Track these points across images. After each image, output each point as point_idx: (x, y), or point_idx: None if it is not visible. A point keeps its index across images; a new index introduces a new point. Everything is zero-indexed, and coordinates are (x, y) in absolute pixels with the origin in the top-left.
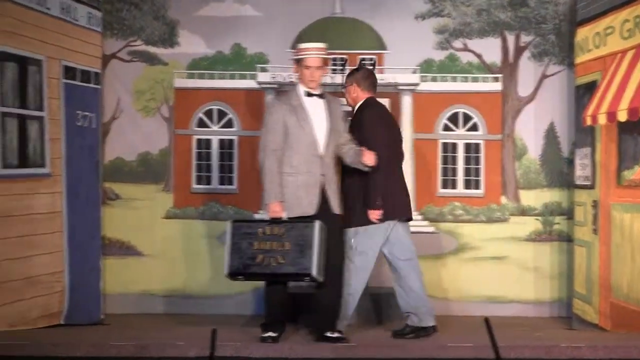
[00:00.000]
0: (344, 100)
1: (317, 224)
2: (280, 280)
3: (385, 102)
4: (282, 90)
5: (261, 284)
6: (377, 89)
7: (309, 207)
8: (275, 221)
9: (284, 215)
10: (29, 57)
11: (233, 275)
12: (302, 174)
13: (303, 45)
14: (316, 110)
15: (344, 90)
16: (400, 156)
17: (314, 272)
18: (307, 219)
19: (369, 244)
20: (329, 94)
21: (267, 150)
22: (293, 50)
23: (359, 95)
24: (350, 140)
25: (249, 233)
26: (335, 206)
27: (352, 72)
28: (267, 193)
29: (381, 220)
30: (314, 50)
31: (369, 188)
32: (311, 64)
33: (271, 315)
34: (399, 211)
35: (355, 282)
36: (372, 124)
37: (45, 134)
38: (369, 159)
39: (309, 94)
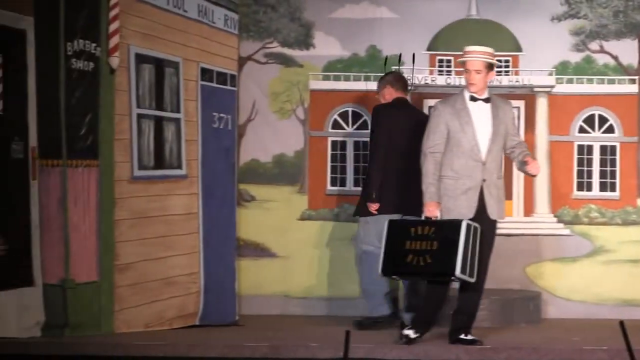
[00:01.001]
0: (516, 102)
1: (465, 224)
2: (428, 279)
3: (519, 104)
4: (416, 92)
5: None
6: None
7: (467, 210)
8: (427, 221)
9: (439, 216)
10: (166, 59)
11: (387, 274)
12: (463, 178)
13: (465, 48)
14: (480, 115)
15: (378, 95)
16: (399, 156)
17: (458, 271)
18: (453, 220)
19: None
20: (499, 97)
21: (426, 152)
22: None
23: (393, 95)
24: (520, 144)
25: (403, 232)
26: (493, 212)
27: (383, 77)
28: (424, 193)
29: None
30: (472, 53)
31: (366, 182)
32: (468, 66)
33: (423, 314)
34: (393, 207)
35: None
36: (378, 122)
37: (182, 135)
38: (532, 168)
39: (473, 98)
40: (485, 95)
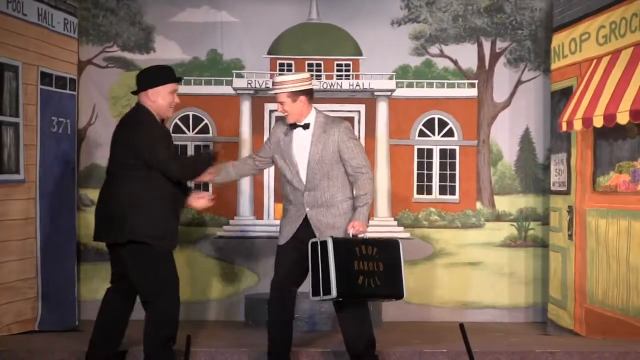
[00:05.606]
0: (357, 106)
1: (400, 244)
2: (371, 301)
3: (360, 108)
4: (257, 96)
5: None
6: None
7: None
8: (370, 240)
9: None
10: (5, 63)
11: (341, 296)
12: None
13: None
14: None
15: None
16: None
17: (405, 293)
18: (390, 240)
19: None
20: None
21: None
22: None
23: None
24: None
25: (349, 252)
26: None
27: None
28: (367, 212)
29: None
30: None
31: None
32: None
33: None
34: None
35: None
36: None
37: (21, 140)
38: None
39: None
40: (299, 122)
